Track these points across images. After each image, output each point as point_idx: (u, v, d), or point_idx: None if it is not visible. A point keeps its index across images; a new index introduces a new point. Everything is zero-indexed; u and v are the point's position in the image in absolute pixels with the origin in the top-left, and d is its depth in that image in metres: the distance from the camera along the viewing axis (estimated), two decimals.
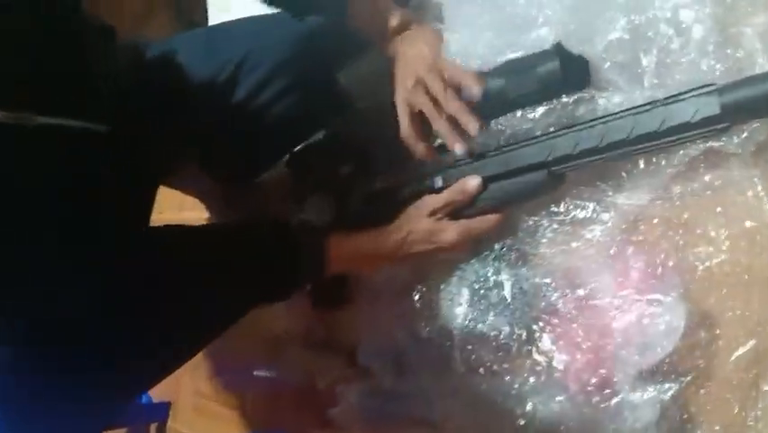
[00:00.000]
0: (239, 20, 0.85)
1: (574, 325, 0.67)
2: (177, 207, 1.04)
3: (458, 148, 0.67)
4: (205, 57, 0.78)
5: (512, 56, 0.67)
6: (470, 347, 0.73)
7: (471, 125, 0.65)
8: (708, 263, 0.61)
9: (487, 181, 0.67)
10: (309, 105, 0.81)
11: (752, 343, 0.60)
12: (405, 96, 0.69)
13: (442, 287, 0.75)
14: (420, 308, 0.77)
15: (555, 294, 0.68)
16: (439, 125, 0.67)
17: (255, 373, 0.96)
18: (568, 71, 0.63)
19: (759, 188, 0.60)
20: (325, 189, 0.77)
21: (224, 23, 0.86)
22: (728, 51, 0.60)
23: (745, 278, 0.60)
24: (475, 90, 0.64)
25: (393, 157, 0.73)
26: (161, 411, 1.12)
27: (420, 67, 0.68)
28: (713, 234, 0.62)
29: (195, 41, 0.80)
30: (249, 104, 0.80)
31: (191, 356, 0.70)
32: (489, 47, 0.68)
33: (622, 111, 0.60)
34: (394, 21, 0.71)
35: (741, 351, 0.60)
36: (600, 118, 0.61)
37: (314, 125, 0.81)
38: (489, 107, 0.66)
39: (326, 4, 0.73)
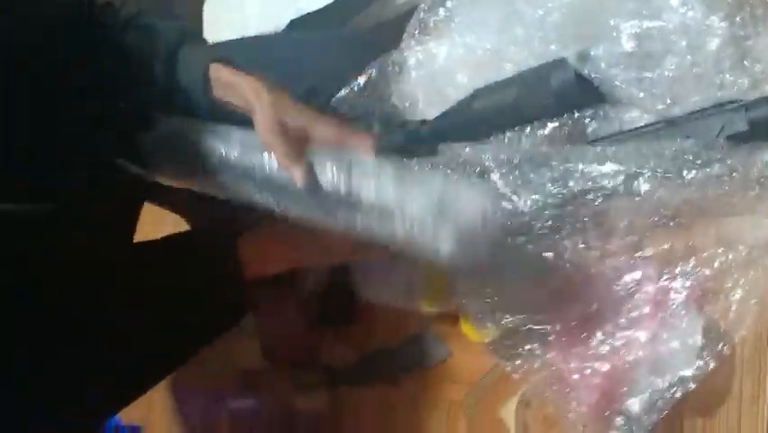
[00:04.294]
0: (230, 41, 0.81)
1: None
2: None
3: None
4: None
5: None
6: None
7: None
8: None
9: None
10: None
11: None
12: None
13: None
14: None
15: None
16: None
17: (230, 404, 0.90)
18: (582, 83, 0.61)
19: None
20: None
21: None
22: (746, 64, 0.59)
23: None
24: None
25: None
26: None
27: None
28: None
29: None
30: None
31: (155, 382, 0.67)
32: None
33: (643, 126, 0.58)
34: None
35: None
36: (619, 134, 0.59)
37: None
38: (500, 120, 0.63)
39: None
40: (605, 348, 0.58)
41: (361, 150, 0.58)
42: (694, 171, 0.56)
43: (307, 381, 0.85)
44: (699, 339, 0.58)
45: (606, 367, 0.61)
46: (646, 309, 0.60)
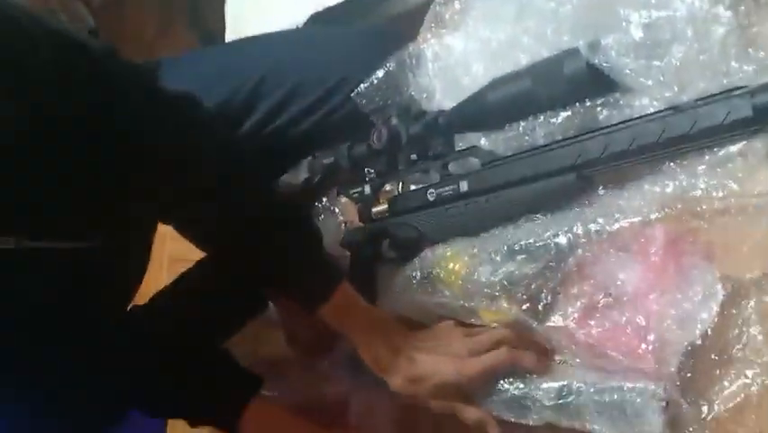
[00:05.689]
0: (255, 37, 0.83)
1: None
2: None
3: None
4: (217, 80, 0.74)
5: None
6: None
7: None
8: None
9: (515, 185, 0.67)
10: (328, 124, 0.80)
11: None
12: None
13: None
14: None
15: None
16: None
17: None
18: (593, 72, 0.63)
19: None
20: (350, 198, 0.76)
21: (239, 41, 0.83)
22: (750, 52, 0.61)
23: None
24: None
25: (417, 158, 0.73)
26: (156, 425, 1.08)
27: None
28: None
29: (206, 62, 0.77)
30: (263, 128, 0.78)
31: None
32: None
33: (651, 114, 0.60)
34: None
35: None
36: (629, 121, 0.61)
37: (332, 141, 0.79)
38: (515, 109, 0.66)
39: None
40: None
41: None
42: None
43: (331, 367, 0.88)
44: (719, 290, 0.59)
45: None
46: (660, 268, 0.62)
